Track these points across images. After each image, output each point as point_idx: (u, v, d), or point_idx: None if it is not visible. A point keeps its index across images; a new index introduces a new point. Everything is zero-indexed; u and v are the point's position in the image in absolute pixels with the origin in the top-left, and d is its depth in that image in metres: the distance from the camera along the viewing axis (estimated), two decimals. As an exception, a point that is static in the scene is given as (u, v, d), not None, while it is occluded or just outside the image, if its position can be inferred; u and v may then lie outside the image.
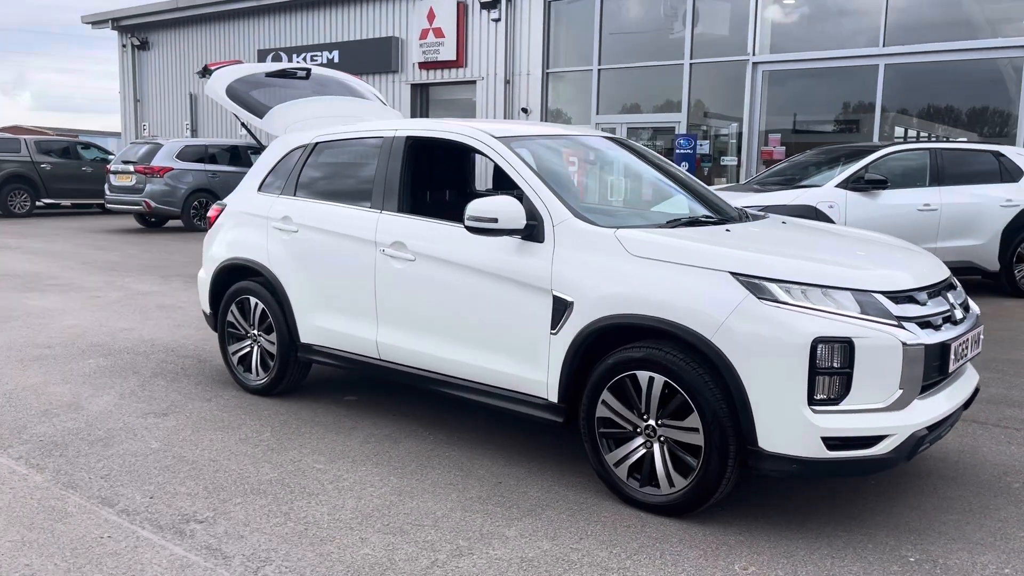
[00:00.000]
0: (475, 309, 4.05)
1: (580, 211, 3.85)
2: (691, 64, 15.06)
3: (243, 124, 5.62)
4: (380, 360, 4.55)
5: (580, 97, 16.68)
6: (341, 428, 4.64)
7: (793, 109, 14.94)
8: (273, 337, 5.06)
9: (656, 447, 3.49)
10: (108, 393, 5.25)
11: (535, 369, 3.85)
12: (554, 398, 3.80)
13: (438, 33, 18.15)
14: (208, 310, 5.52)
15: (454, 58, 17.94)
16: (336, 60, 19.58)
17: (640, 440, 3.54)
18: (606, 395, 3.60)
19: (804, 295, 3.22)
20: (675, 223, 4.02)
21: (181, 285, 9.65)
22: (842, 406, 3.16)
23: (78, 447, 4.28)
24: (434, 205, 5.29)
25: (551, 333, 3.76)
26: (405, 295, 4.35)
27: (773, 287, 3.23)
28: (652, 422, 3.49)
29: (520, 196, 3.92)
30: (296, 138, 5.18)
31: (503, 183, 4.88)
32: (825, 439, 3.14)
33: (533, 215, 3.86)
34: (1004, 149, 9.47)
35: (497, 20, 17.23)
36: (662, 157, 4.78)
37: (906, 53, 13.01)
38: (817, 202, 8.56)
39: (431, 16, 18.14)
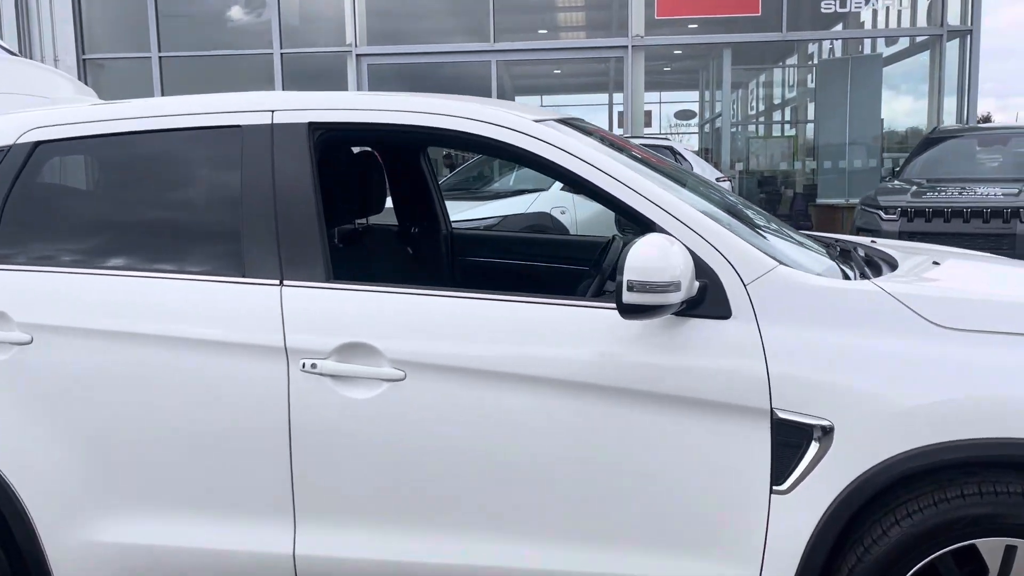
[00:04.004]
0: (574, 464, 2.01)
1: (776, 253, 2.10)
2: (282, 54, 12.94)
3: None
4: (301, 592, 2.17)
5: (136, 90, 13.34)
6: None
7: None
8: (-38, 583, 2.23)
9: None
10: None
11: (730, 565, 2.00)
12: (776, 612, 2.00)
13: (-97, 2, 13.06)
14: None
15: (-65, 36, 13.10)
16: None
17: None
18: (904, 592, 1.95)
19: None
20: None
21: None
22: None
23: None
24: (400, 260, 2.83)
25: (772, 491, 1.96)
26: (380, 452, 2.07)
27: None
28: (1007, 625, 1.95)
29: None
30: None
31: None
32: None
33: (701, 270, 1.99)
34: (674, 144, 9.52)
35: (1, -10, 12.94)
36: (651, 150, 3.07)
37: (517, 50, 12.74)
38: (551, 208, 7.54)
39: None
